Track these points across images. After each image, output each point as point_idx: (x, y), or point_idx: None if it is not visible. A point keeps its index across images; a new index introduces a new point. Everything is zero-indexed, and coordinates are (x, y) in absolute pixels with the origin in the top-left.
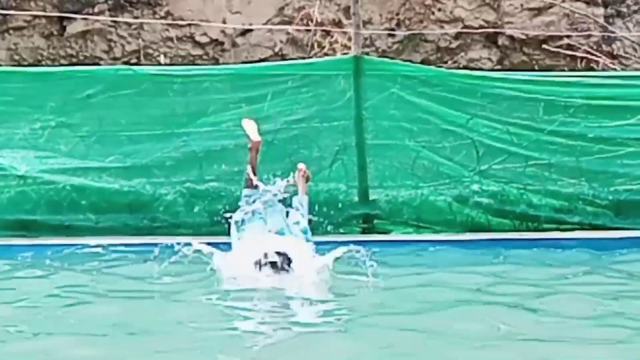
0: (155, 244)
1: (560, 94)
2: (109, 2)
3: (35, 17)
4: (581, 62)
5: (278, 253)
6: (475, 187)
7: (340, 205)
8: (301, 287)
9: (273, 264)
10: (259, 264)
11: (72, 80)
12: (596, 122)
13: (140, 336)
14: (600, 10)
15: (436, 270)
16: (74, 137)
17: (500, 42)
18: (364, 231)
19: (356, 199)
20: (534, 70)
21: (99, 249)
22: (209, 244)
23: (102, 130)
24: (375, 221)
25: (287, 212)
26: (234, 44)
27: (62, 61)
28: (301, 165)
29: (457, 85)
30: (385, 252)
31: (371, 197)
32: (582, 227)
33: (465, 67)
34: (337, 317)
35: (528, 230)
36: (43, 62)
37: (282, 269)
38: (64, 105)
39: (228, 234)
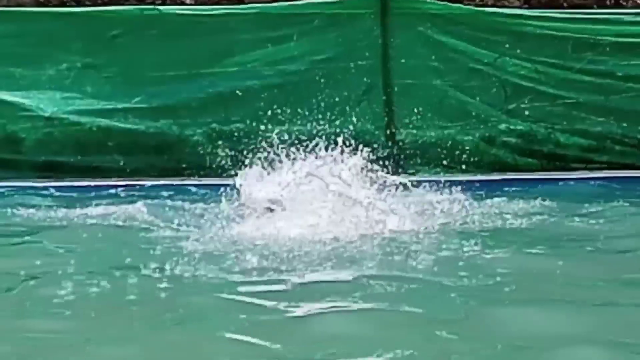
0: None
1: (589, 32)
2: None
3: None
4: None
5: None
6: (502, 126)
7: (367, 145)
8: None
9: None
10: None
11: (98, 20)
12: (625, 60)
13: None
14: None
15: None
16: (100, 78)
17: None
18: (391, 172)
19: (383, 139)
20: (562, 8)
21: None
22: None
23: (128, 71)
24: (402, 162)
25: None
26: None
27: (87, 2)
28: None
29: (485, 23)
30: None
31: (398, 138)
32: (610, 166)
33: (493, 5)
34: None
35: (556, 169)
36: (68, 3)
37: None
38: (90, 46)
39: None
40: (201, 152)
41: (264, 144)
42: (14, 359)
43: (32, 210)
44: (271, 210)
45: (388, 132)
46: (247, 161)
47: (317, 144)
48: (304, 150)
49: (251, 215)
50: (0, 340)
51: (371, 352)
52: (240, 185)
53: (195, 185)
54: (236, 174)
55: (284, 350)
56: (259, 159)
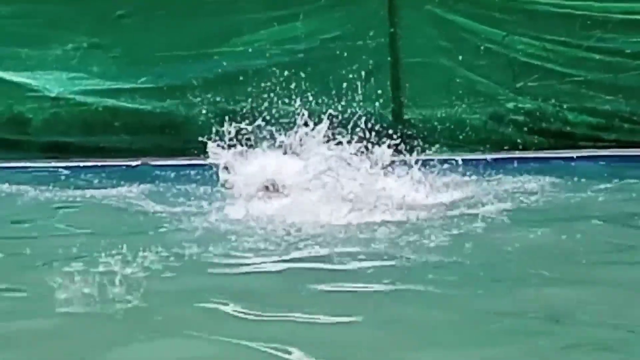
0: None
1: (598, 9)
2: None
3: None
4: None
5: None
6: (510, 105)
7: (374, 125)
8: None
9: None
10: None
11: (104, 0)
12: (634, 37)
13: None
14: None
15: None
16: (106, 58)
17: None
18: (398, 151)
19: (390, 118)
20: None
21: None
22: None
23: (134, 51)
24: (410, 141)
25: None
26: None
27: None
28: None
29: (493, 1)
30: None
31: (405, 117)
32: (619, 144)
33: None
34: None
35: (564, 147)
36: None
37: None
38: (96, 26)
39: None
40: (208, 131)
41: (270, 123)
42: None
43: (39, 191)
44: (268, 189)
45: (395, 111)
46: (253, 141)
47: (323, 123)
48: (311, 130)
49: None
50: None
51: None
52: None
53: (201, 165)
54: (242, 154)
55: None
56: (265, 138)
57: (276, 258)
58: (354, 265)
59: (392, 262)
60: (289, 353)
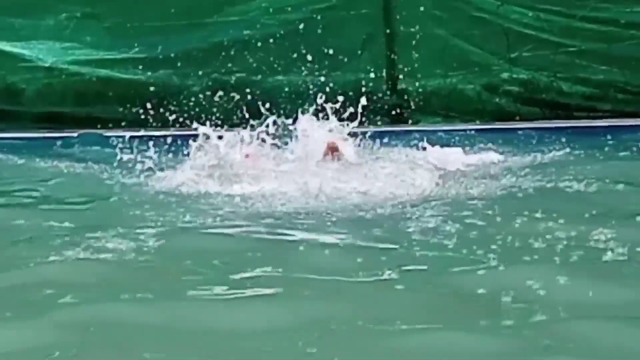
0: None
1: None
2: None
3: None
4: None
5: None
6: (505, 75)
7: (368, 95)
8: None
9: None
10: None
11: None
12: (628, 7)
13: None
14: None
15: None
16: (99, 28)
17: None
18: (393, 121)
19: (385, 88)
20: None
21: None
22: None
23: (127, 21)
24: (404, 111)
25: None
26: None
27: None
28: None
29: None
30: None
31: (400, 87)
32: (613, 114)
33: None
34: None
35: (558, 118)
36: None
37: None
38: None
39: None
40: (202, 102)
41: (265, 94)
42: None
43: (33, 161)
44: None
45: (389, 81)
46: (247, 112)
47: (317, 94)
48: (305, 100)
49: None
50: None
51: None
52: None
53: (193, 136)
54: (237, 125)
55: None
56: (259, 109)
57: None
58: None
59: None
60: None
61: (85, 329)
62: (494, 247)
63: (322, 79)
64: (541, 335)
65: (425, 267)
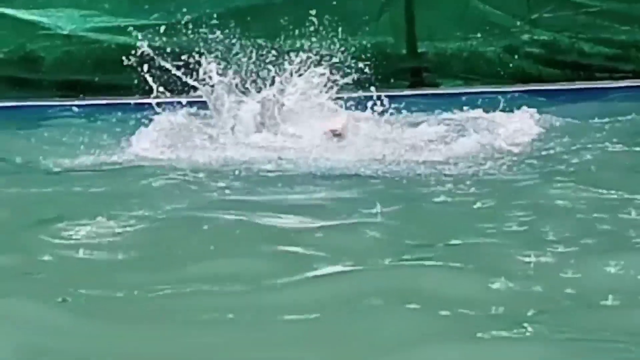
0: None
1: None
2: None
3: None
4: None
5: None
6: (525, 37)
7: (387, 58)
8: None
9: None
10: None
11: None
12: None
13: None
14: None
15: None
16: None
17: None
18: (412, 85)
19: (404, 52)
20: None
21: None
22: None
23: None
24: (424, 74)
25: None
26: None
27: None
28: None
29: None
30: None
31: (419, 50)
32: (635, 75)
33: None
34: None
35: (580, 79)
36: None
37: None
38: None
39: None
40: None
41: (284, 58)
42: None
43: (52, 130)
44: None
45: (409, 44)
46: (267, 77)
47: (337, 57)
48: (323, 64)
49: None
50: None
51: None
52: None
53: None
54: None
55: None
56: (278, 74)
57: None
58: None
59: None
60: None
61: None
62: None
63: (341, 42)
64: None
65: None
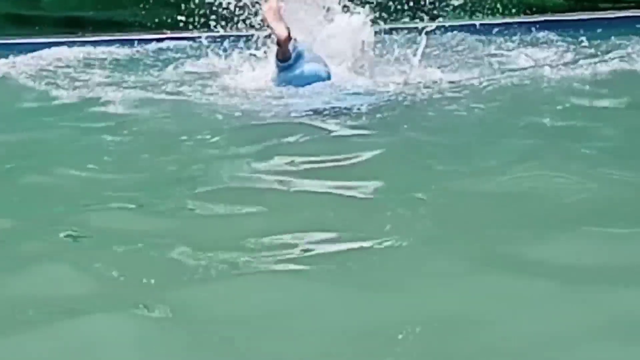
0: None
1: None
2: None
3: None
4: None
5: None
6: None
7: None
8: None
9: None
10: None
11: None
12: None
13: None
14: None
15: None
16: None
17: None
18: (415, 17)
19: None
20: None
21: None
22: None
23: None
24: (425, 7)
25: None
26: None
27: None
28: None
29: None
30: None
31: None
32: (638, 4)
33: None
34: None
35: (584, 9)
36: None
37: None
38: None
39: None
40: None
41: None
42: None
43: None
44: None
45: None
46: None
47: None
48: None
49: None
50: None
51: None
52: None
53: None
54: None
55: None
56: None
57: None
58: None
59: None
60: None
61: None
62: None
63: None
64: None
65: None
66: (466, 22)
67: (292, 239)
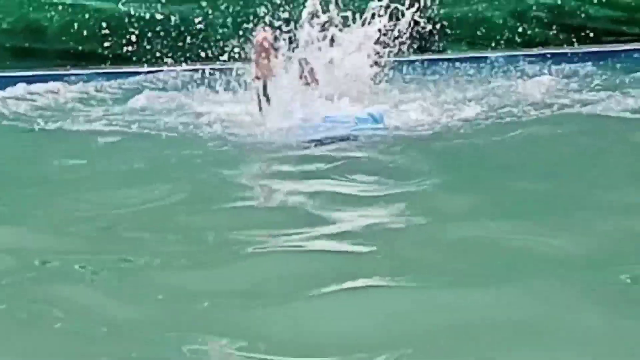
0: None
1: None
2: None
3: None
4: None
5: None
6: (531, 0)
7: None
8: None
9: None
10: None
11: None
12: None
13: None
14: None
15: None
16: None
17: None
18: (418, 50)
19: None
20: None
21: None
22: None
23: None
24: (429, 38)
25: None
26: None
27: None
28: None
29: None
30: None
31: (425, 14)
32: None
33: None
34: None
35: (586, 43)
36: None
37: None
38: None
39: None
40: (226, 36)
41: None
42: None
43: (58, 97)
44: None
45: (415, 7)
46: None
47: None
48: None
49: None
50: None
51: None
52: None
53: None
54: None
55: None
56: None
57: None
58: None
59: None
60: None
61: None
62: None
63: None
64: None
65: None
66: (468, 55)
67: None
